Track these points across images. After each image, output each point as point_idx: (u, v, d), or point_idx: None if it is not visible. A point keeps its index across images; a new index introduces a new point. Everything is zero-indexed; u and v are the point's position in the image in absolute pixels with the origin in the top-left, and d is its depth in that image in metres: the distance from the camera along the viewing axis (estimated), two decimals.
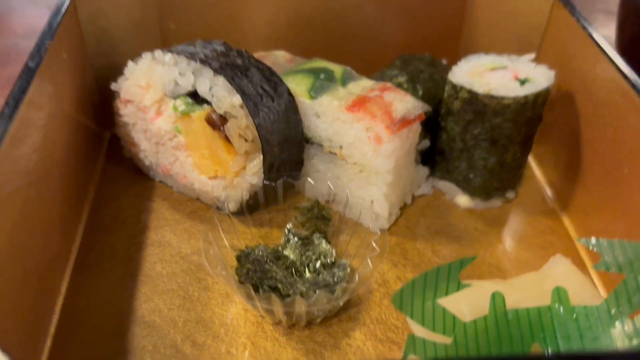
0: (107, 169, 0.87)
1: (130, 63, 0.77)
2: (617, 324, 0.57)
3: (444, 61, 0.89)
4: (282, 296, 0.65)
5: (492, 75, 0.76)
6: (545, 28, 0.85)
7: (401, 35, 0.96)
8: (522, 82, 0.74)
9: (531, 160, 0.91)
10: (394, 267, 0.74)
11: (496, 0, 0.89)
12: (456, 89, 0.75)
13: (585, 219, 0.78)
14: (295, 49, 0.93)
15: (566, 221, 0.81)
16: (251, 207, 0.78)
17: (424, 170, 0.83)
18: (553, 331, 0.58)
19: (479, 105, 0.74)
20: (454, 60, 0.91)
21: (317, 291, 0.67)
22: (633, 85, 0.67)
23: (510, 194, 0.83)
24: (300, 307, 0.62)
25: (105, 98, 0.87)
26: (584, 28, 0.76)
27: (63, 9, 0.75)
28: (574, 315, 0.59)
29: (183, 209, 0.81)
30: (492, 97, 0.72)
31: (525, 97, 0.72)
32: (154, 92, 0.76)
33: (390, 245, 0.77)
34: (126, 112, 0.80)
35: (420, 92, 0.81)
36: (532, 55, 0.79)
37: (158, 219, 0.79)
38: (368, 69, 0.93)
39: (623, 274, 0.59)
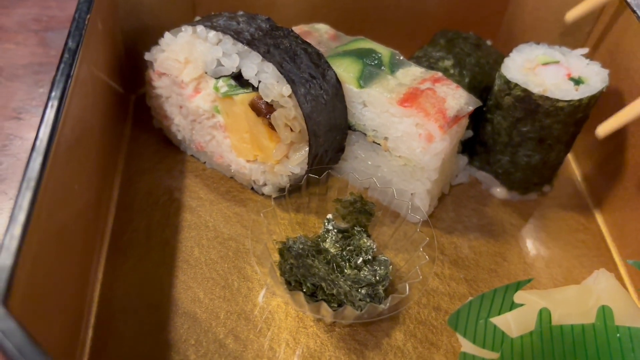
0: (134, 136, 0.84)
1: (167, 35, 0.73)
2: None
3: (489, 42, 0.86)
4: (326, 294, 0.65)
5: (545, 71, 0.73)
6: (598, 17, 0.81)
7: (442, 8, 0.91)
8: (576, 81, 0.72)
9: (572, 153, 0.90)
10: (432, 263, 0.74)
11: None
12: (509, 85, 0.72)
13: (619, 218, 0.78)
14: (332, 16, 0.89)
15: (599, 218, 0.81)
16: (288, 191, 0.76)
17: (463, 159, 0.81)
18: (596, 349, 0.59)
19: (531, 105, 0.71)
20: (497, 40, 0.88)
21: (361, 291, 0.67)
22: None
23: (546, 188, 0.83)
24: (350, 316, 0.62)
25: (132, 60, 0.82)
26: None
27: None
28: (618, 335, 0.60)
29: (217, 187, 0.79)
30: (546, 98, 0.70)
31: (580, 101, 0.70)
32: (194, 68, 0.72)
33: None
34: (160, 84, 0.76)
35: (467, 79, 0.79)
36: (584, 50, 0.76)
37: (192, 198, 0.77)
38: (406, 40, 0.90)
39: None
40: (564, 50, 0.76)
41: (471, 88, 0.78)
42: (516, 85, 0.71)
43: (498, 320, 0.60)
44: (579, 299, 0.66)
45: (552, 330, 0.60)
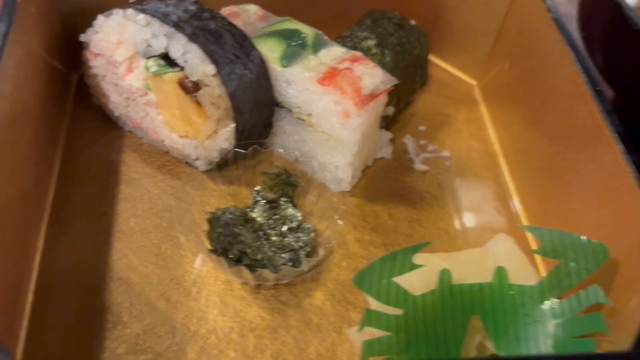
0: (76, 114, 0.88)
1: (100, 17, 0.76)
2: (547, 303, 0.65)
3: (413, 22, 0.91)
4: (250, 260, 0.71)
5: None
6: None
7: None
8: None
9: (489, 124, 0.96)
10: (354, 229, 0.80)
11: None
12: None
13: (531, 189, 0.85)
14: None
15: (512, 187, 0.88)
16: (220, 165, 0.81)
17: (386, 135, 0.87)
18: (491, 306, 0.66)
19: None
20: (424, 20, 0.94)
21: (283, 255, 0.73)
22: (588, 79, 0.71)
23: None
24: (270, 278, 0.68)
25: (72, 39, 0.85)
26: (549, 10, 0.79)
27: None
28: (511, 292, 0.67)
29: (153, 161, 0.84)
30: None
31: None
32: (125, 49, 0.76)
33: (350, 207, 0.82)
34: (96, 64, 0.80)
35: (389, 58, 0.84)
36: None
37: (129, 172, 0.82)
38: (340, 21, 0.94)
39: (557, 260, 0.67)
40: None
41: (392, 66, 0.84)
42: None
43: (402, 280, 0.66)
44: (478, 261, 0.72)
45: (452, 289, 0.67)
